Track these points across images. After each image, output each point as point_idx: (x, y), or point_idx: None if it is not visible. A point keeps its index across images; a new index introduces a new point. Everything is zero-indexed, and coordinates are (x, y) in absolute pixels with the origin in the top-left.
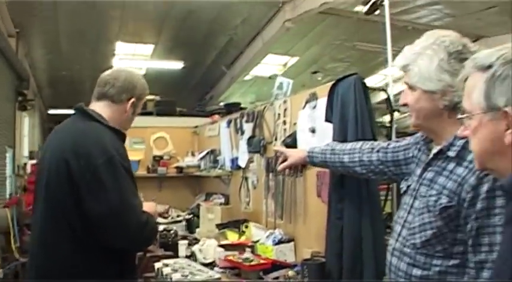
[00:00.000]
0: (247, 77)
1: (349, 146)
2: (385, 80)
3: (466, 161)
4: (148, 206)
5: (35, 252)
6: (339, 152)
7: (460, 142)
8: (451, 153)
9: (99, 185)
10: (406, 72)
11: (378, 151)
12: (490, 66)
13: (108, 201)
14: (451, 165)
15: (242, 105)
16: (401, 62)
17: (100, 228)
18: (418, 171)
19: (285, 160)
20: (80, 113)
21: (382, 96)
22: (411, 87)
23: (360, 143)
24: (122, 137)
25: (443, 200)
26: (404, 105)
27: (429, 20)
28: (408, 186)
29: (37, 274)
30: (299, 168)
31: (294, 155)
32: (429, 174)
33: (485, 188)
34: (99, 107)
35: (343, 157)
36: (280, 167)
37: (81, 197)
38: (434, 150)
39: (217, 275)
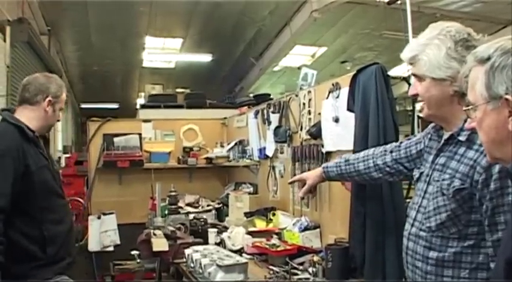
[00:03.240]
0: (276, 68)
1: (362, 154)
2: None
3: (476, 144)
4: None
5: None
6: (353, 161)
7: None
8: (462, 138)
9: None
10: (413, 64)
11: (391, 152)
12: (489, 58)
13: None
14: (462, 149)
15: (272, 96)
16: (408, 54)
17: None
18: (430, 158)
19: (304, 184)
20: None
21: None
22: (420, 78)
23: (372, 149)
24: (28, 134)
25: (456, 183)
26: (414, 96)
27: (458, 6)
28: (421, 173)
29: None
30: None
31: (311, 176)
32: (441, 160)
33: (496, 168)
34: (19, 111)
35: (358, 165)
36: (301, 193)
37: None
38: (445, 136)
39: (245, 260)
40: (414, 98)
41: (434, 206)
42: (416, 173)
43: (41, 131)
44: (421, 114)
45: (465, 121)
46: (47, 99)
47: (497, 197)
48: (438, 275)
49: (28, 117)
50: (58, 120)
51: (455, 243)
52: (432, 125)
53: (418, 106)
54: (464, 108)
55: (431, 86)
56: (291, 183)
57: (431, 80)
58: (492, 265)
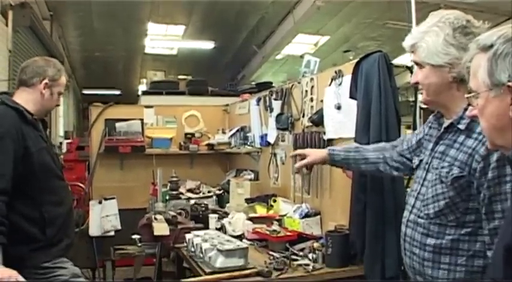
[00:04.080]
0: (278, 56)
1: (372, 145)
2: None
3: (476, 133)
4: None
5: None
6: (363, 150)
7: None
8: (461, 126)
9: None
10: (414, 52)
11: (395, 146)
12: (491, 46)
13: None
14: (461, 138)
15: (274, 85)
16: (409, 42)
17: None
18: (430, 146)
19: (303, 159)
20: None
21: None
22: (420, 65)
23: (383, 143)
24: (27, 117)
25: (455, 171)
26: (415, 84)
27: None
28: (421, 161)
29: None
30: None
31: (314, 154)
32: (441, 148)
33: (494, 157)
34: (17, 93)
35: (368, 154)
36: (297, 164)
37: None
38: (445, 124)
39: (245, 245)
40: (416, 86)
41: (433, 194)
42: (416, 161)
43: (38, 114)
44: (423, 105)
45: (465, 109)
46: (44, 81)
47: (494, 185)
48: (435, 262)
49: (25, 99)
50: (58, 105)
51: (452, 230)
52: (434, 114)
53: (421, 97)
54: (466, 95)
55: (430, 72)
56: (293, 156)
57: (430, 67)
58: (489, 253)
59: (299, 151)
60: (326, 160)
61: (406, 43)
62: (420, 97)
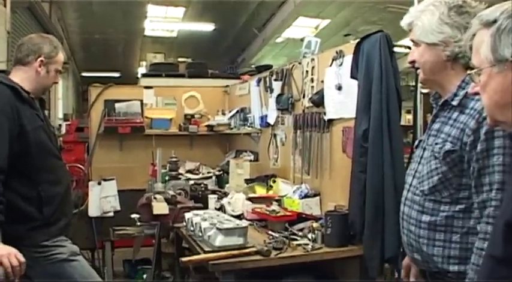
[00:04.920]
0: (278, 40)
1: None
2: None
3: (468, 109)
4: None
5: None
6: None
7: (463, 92)
8: (454, 102)
9: None
10: (411, 30)
11: None
12: (495, 21)
13: None
14: (455, 114)
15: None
16: (406, 20)
17: None
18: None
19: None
20: None
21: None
22: (416, 44)
23: None
24: (22, 95)
25: (447, 146)
26: (412, 62)
27: None
28: (420, 141)
29: None
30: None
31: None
32: (436, 125)
33: (483, 130)
34: (13, 72)
35: None
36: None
37: None
38: (439, 102)
39: (245, 224)
40: (413, 66)
41: (428, 170)
42: (416, 142)
43: (35, 92)
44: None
45: (459, 86)
46: (39, 59)
47: (483, 158)
48: (430, 239)
49: (21, 78)
50: (56, 83)
51: (447, 207)
52: (431, 94)
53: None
54: (468, 72)
55: (425, 51)
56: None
57: (425, 45)
58: (478, 227)
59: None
60: None
61: (404, 21)
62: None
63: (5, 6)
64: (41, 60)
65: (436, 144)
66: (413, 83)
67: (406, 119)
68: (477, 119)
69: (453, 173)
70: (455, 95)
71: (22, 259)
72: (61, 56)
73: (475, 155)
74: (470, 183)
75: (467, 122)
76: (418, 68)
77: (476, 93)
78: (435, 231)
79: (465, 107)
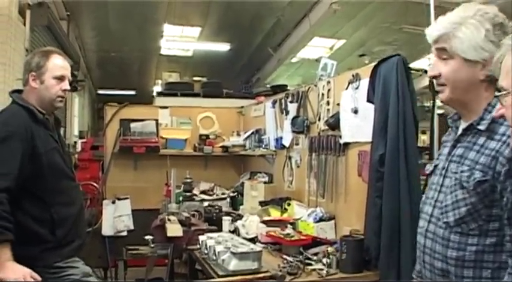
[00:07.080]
0: (294, 60)
1: None
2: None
3: (498, 134)
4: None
5: None
6: None
7: (490, 115)
8: (482, 127)
9: None
10: (440, 42)
11: None
12: None
13: None
14: (481, 140)
15: (288, 88)
16: (437, 32)
17: None
18: (446, 150)
19: None
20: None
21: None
22: (448, 57)
23: None
24: (37, 116)
25: (477, 175)
26: (434, 77)
27: (482, 2)
28: (435, 166)
29: None
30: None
31: None
32: (459, 151)
33: None
34: (23, 94)
35: None
36: None
37: None
38: (463, 126)
39: (259, 248)
40: (431, 81)
41: (453, 200)
42: (429, 167)
43: (45, 108)
44: (439, 99)
45: (485, 110)
46: (30, 74)
47: None
48: (458, 276)
49: (30, 98)
50: (64, 90)
51: (475, 240)
52: (449, 116)
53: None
54: (496, 93)
55: (461, 67)
56: None
57: (462, 61)
58: (510, 261)
59: None
60: None
61: (432, 32)
62: (438, 102)
63: (24, 24)
64: (32, 75)
65: (462, 172)
66: (428, 103)
67: (421, 139)
68: None
69: (483, 203)
70: (482, 118)
71: (39, 278)
72: (53, 62)
73: (510, 186)
74: (501, 214)
75: (500, 149)
76: (442, 85)
77: (502, 116)
78: (463, 268)
79: (494, 132)
